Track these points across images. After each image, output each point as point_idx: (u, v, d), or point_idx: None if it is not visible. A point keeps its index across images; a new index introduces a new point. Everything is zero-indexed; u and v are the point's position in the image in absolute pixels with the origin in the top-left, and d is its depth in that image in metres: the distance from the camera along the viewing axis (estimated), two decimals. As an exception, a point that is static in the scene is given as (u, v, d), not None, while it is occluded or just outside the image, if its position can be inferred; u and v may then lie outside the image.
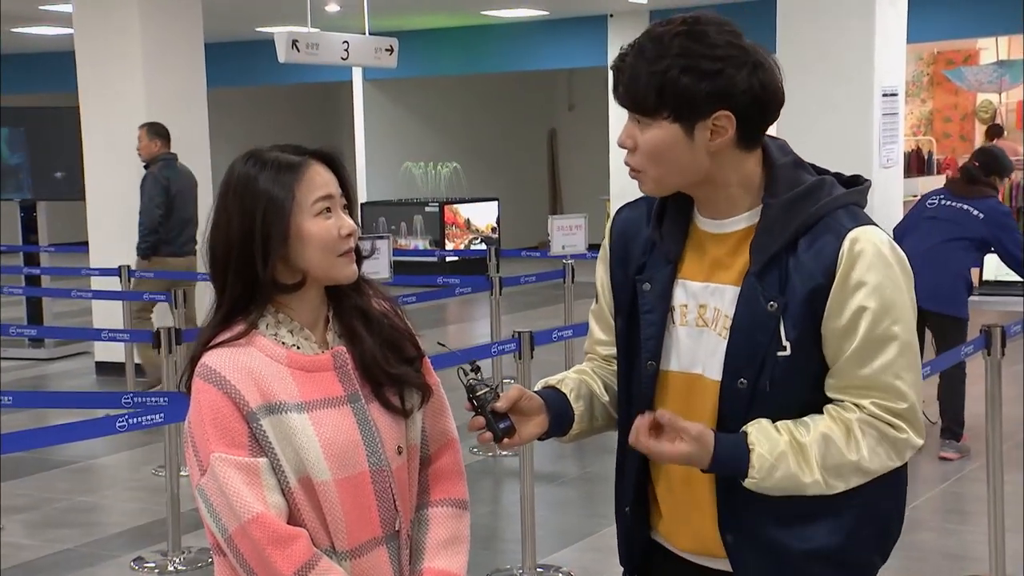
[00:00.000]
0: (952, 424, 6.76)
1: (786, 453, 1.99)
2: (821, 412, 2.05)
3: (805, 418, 2.03)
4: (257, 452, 2.03)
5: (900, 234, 6.85)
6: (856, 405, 2.03)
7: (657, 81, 1.99)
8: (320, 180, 2.11)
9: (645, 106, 2.01)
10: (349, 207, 2.15)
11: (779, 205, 2.05)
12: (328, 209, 2.10)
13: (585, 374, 2.27)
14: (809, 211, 2.03)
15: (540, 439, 2.16)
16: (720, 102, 1.99)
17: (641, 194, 2.19)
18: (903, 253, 2.08)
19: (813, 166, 2.14)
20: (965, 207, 6.76)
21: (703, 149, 2.02)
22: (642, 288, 2.16)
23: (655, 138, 2.03)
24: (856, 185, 2.12)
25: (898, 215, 7.91)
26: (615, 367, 2.25)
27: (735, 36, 2.01)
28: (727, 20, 2.03)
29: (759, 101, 2.01)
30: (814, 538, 2.06)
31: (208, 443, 2.03)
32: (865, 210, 2.10)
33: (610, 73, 2.09)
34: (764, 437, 2.00)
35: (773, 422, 2.02)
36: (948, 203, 6.82)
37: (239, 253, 2.07)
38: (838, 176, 2.14)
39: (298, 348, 2.12)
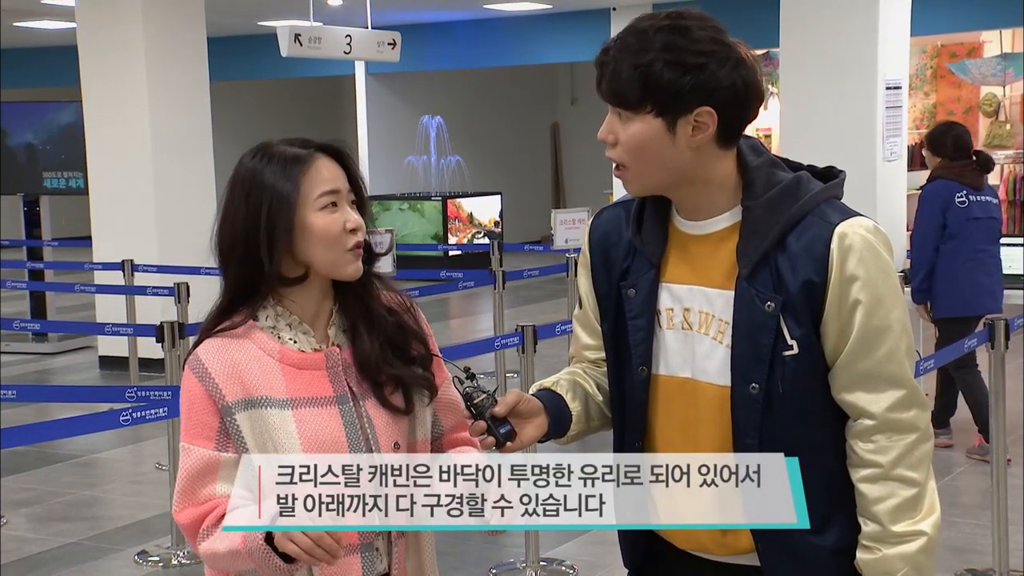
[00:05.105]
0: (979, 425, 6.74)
1: (908, 556, 2.03)
2: (838, 417, 2.07)
3: (866, 529, 2.06)
4: (225, 446, 2.06)
5: (948, 236, 6.68)
6: (867, 415, 2.04)
7: (641, 74, 1.98)
8: (327, 174, 2.10)
9: (628, 100, 2.01)
10: (359, 203, 2.15)
11: (761, 206, 2.05)
12: (334, 203, 2.10)
13: (577, 375, 2.26)
14: (792, 209, 2.04)
15: (540, 441, 2.16)
16: (703, 97, 1.99)
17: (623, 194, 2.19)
18: (887, 234, 2.09)
19: (785, 161, 2.14)
20: (993, 200, 6.71)
21: (685, 145, 2.02)
22: (627, 294, 2.16)
23: (637, 132, 2.02)
24: (832, 177, 2.13)
25: (902, 209, 7.89)
26: (605, 369, 2.26)
27: (718, 32, 2.01)
28: (709, 16, 2.03)
29: (740, 98, 2.01)
30: (834, 536, 2.09)
31: (183, 431, 2.10)
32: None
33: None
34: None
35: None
36: (976, 198, 6.67)
37: (245, 246, 2.08)
38: (811, 169, 2.14)
39: (295, 343, 2.13)
